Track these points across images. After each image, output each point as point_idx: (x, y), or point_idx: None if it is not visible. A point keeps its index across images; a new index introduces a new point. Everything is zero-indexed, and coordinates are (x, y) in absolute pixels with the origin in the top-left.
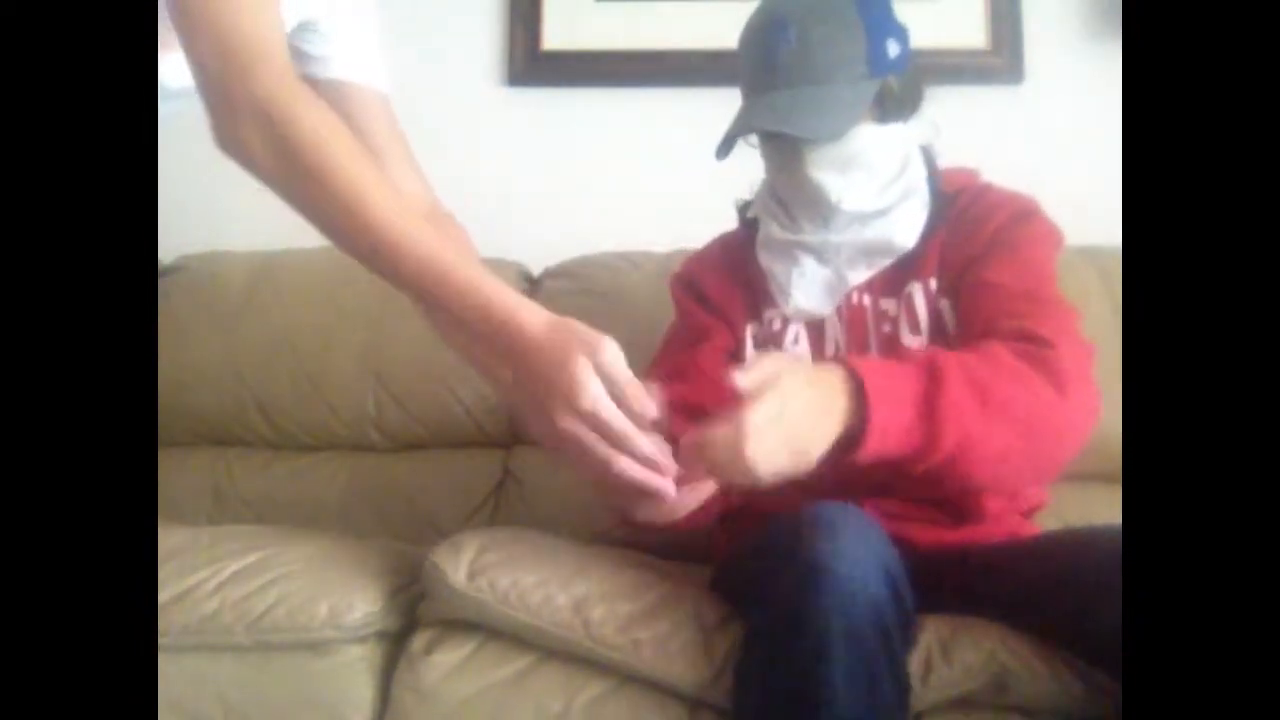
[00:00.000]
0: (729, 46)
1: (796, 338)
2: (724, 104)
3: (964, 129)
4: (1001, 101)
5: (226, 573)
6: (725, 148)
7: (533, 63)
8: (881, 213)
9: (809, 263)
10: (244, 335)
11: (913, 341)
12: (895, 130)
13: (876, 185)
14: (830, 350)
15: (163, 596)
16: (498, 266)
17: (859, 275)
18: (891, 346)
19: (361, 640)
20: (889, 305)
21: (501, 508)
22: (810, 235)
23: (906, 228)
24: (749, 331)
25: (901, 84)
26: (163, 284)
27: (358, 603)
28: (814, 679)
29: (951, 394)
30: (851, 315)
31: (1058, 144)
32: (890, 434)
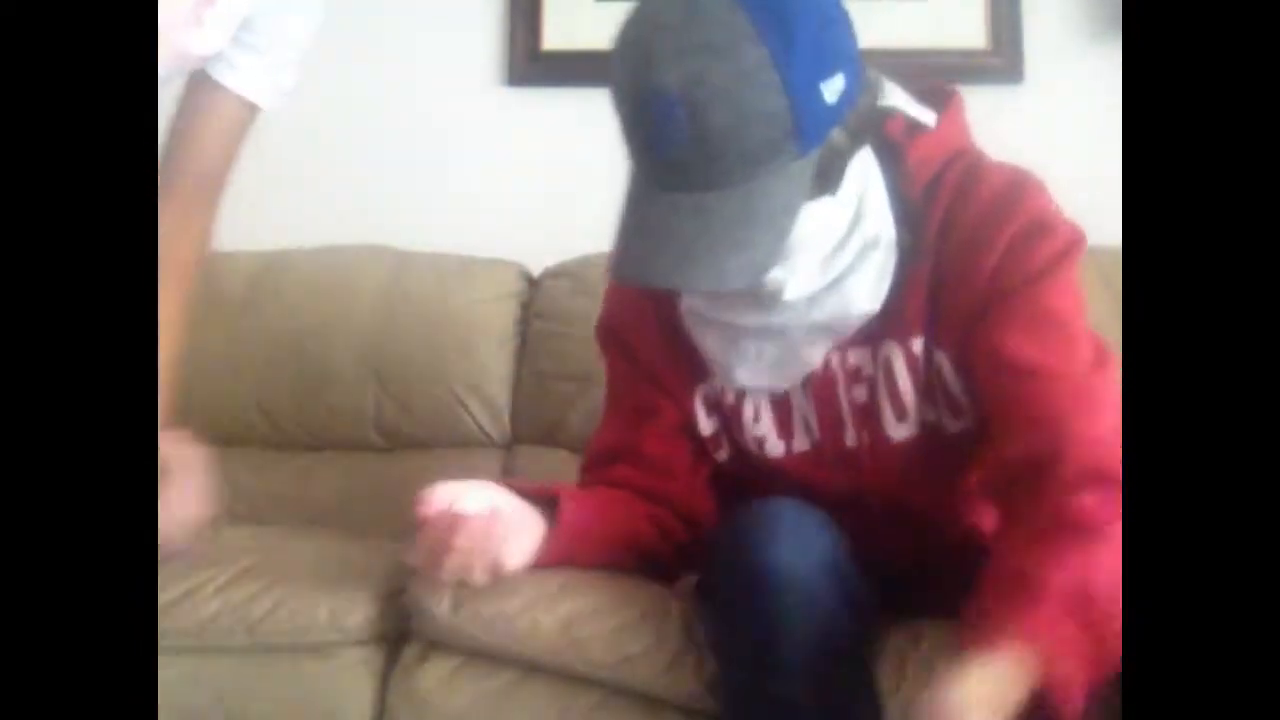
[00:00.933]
0: None
1: (757, 414)
2: None
3: None
4: (1001, 101)
5: (227, 575)
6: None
7: (533, 63)
8: (833, 285)
9: (748, 344)
10: (244, 335)
11: (899, 433)
12: (846, 182)
13: (823, 257)
14: (799, 427)
15: (163, 598)
16: (498, 266)
17: (818, 353)
18: (868, 420)
19: (361, 643)
20: (860, 359)
21: None
22: (746, 318)
23: (867, 291)
24: (698, 396)
25: (854, 120)
26: None
27: (358, 605)
28: (769, 686)
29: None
30: (820, 385)
31: (1058, 144)
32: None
